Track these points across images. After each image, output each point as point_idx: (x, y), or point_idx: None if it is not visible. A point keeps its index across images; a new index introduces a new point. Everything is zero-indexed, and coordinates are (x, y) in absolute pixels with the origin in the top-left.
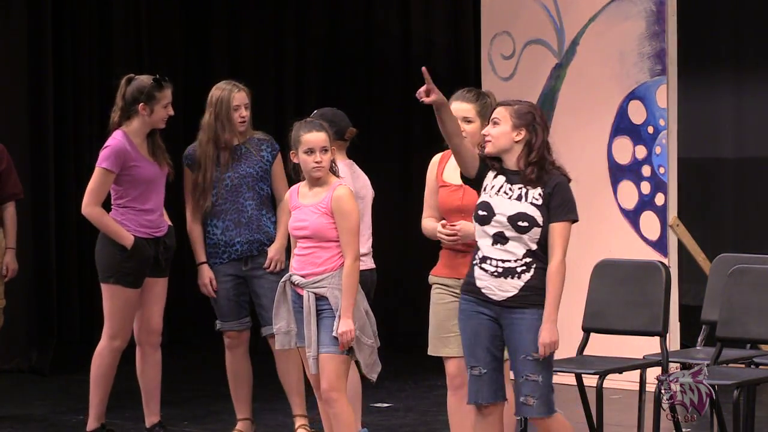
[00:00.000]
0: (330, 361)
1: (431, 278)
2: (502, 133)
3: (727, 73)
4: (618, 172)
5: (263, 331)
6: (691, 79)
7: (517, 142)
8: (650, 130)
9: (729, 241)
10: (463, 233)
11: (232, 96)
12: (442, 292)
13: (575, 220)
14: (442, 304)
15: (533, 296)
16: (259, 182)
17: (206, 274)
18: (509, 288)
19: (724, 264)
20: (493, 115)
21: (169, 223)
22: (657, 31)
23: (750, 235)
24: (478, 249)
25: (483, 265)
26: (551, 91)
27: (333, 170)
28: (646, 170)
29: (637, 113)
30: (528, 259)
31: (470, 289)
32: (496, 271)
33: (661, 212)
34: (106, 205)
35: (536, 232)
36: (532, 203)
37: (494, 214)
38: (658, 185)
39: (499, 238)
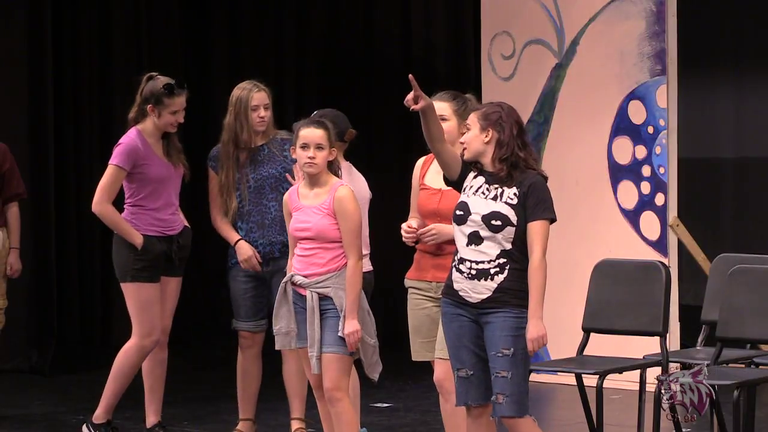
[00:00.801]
0: (334, 361)
1: (405, 282)
2: (473, 137)
3: (727, 73)
4: (618, 172)
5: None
6: (691, 79)
7: (487, 143)
8: (650, 130)
9: (729, 241)
10: (437, 231)
11: (251, 96)
12: (417, 296)
13: (553, 220)
14: (418, 309)
15: (506, 297)
16: (283, 183)
17: (246, 249)
18: (483, 290)
19: (724, 264)
20: (467, 122)
21: (186, 224)
22: (657, 31)
23: (750, 235)
24: (457, 251)
25: (460, 267)
26: (551, 91)
27: (336, 171)
28: (646, 170)
29: (637, 113)
30: (502, 260)
31: (449, 291)
32: (470, 273)
33: (661, 212)
34: (120, 206)
35: (510, 231)
36: (506, 202)
37: (470, 214)
38: (658, 185)
39: (474, 238)
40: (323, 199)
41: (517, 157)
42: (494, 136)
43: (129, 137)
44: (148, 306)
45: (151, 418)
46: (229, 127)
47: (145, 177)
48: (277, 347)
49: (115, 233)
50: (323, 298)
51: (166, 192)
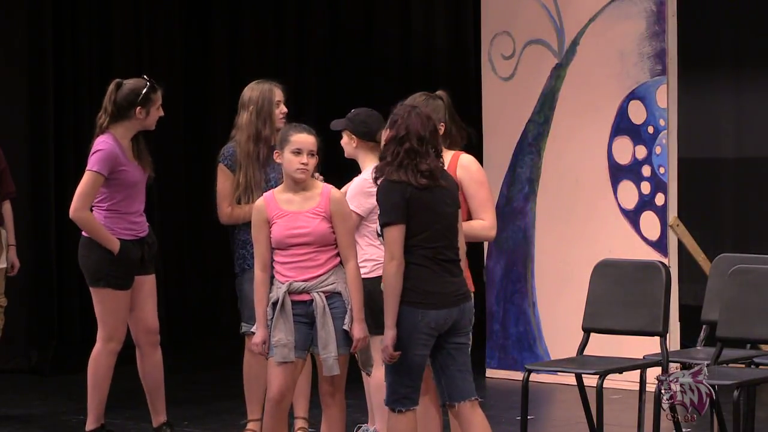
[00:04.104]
0: (341, 363)
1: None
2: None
3: (727, 73)
4: (618, 172)
5: None
6: (691, 79)
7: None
8: (650, 130)
9: (729, 241)
10: None
11: (274, 92)
12: None
13: (386, 224)
14: None
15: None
16: None
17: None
18: None
19: (724, 264)
20: None
21: (147, 223)
22: (657, 31)
23: (750, 235)
24: None
25: None
26: (551, 91)
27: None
28: (646, 170)
29: (637, 113)
30: None
31: None
32: None
33: (661, 212)
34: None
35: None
36: None
37: None
38: (658, 185)
39: None
40: (315, 203)
41: (383, 160)
42: (388, 136)
43: (107, 143)
44: (117, 312)
45: (159, 418)
46: (248, 124)
47: (122, 182)
48: (276, 360)
49: (82, 237)
50: (329, 296)
51: (139, 196)
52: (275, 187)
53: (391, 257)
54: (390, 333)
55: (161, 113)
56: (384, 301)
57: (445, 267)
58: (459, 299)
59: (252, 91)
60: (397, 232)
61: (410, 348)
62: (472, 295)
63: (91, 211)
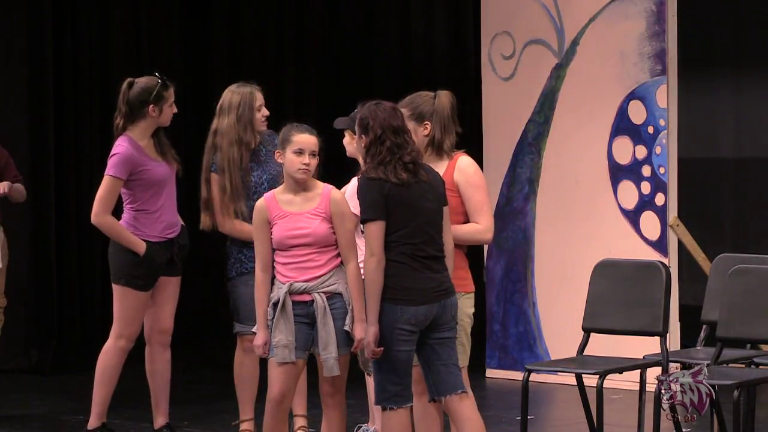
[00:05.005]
0: (341, 363)
1: None
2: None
3: (727, 73)
4: (618, 172)
5: None
6: (691, 79)
7: (364, 147)
8: (650, 130)
9: (729, 241)
10: None
11: (254, 97)
12: None
13: (366, 219)
14: None
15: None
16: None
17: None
18: None
19: (724, 264)
20: None
21: (182, 222)
22: (657, 31)
23: (750, 235)
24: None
25: None
26: (551, 91)
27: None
28: (646, 170)
29: (637, 113)
30: None
31: None
32: None
33: (661, 212)
34: (118, 209)
35: None
36: None
37: None
38: (658, 185)
39: None
40: (315, 204)
41: (365, 163)
42: (367, 142)
43: (122, 146)
44: (133, 311)
45: (159, 420)
46: (230, 130)
47: (146, 182)
48: (277, 360)
49: None
50: (330, 297)
51: (165, 192)
52: (269, 188)
53: (371, 253)
54: (372, 329)
55: (174, 110)
56: (366, 298)
57: (425, 263)
58: (440, 295)
59: (233, 95)
60: (376, 229)
61: (392, 344)
62: (472, 295)
63: (123, 212)
